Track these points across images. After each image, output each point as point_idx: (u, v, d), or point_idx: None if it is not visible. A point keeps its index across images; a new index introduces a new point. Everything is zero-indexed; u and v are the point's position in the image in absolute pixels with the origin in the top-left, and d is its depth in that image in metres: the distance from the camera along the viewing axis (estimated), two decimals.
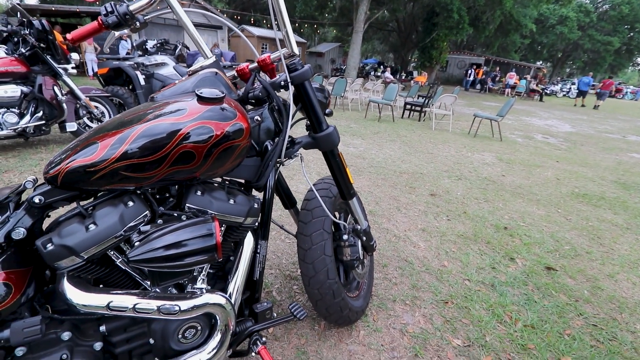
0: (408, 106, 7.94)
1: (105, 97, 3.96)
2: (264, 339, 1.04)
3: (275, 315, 1.12)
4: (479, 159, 4.70)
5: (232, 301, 0.94)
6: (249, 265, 1.05)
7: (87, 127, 3.80)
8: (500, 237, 2.46)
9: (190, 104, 0.84)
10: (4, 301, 0.71)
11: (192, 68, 1.01)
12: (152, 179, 0.80)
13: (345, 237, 1.35)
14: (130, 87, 4.92)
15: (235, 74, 1.13)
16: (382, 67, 24.31)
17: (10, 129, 3.13)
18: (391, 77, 17.75)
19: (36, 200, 0.76)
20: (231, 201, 0.95)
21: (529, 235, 2.53)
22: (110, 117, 3.94)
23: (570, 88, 24.18)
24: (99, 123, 2.85)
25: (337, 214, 1.49)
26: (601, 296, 1.88)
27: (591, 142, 6.91)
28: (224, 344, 0.93)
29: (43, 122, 3.31)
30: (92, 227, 0.76)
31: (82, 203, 0.82)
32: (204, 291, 0.90)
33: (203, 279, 0.93)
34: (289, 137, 1.12)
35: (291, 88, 1.05)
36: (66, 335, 0.80)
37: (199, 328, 0.91)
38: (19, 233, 0.75)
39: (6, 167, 2.98)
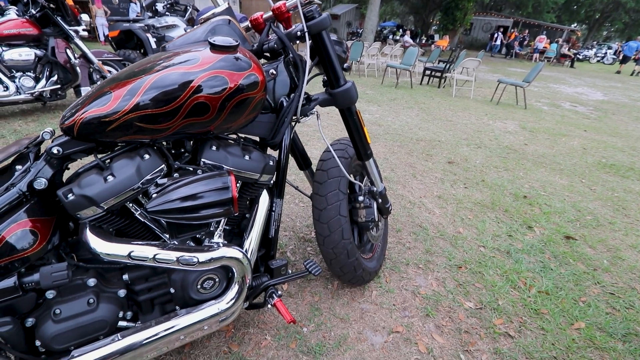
0: (427, 72, 7.57)
1: (117, 61, 3.92)
2: (279, 292, 1.07)
3: (290, 272, 1.15)
4: (500, 127, 4.50)
5: (248, 256, 0.96)
6: (265, 223, 1.05)
7: None
8: (519, 205, 2.40)
9: (202, 53, 0.80)
10: (31, 247, 0.74)
11: (203, 16, 0.95)
12: (167, 132, 0.78)
13: (360, 198, 1.33)
14: (142, 50, 4.84)
15: (249, 25, 1.07)
16: (401, 30, 23.02)
17: (28, 93, 3.16)
18: (410, 41, 16.79)
19: (54, 150, 0.76)
20: (246, 157, 0.94)
21: (550, 204, 2.45)
22: None
23: (606, 53, 22.36)
24: None
25: (352, 176, 1.47)
26: (621, 266, 1.84)
27: (624, 111, 6.48)
28: (241, 296, 0.95)
29: (58, 86, 3.32)
30: (110, 178, 0.76)
31: (99, 156, 0.82)
32: (221, 245, 0.91)
33: (220, 234, 0.94)
34: (305, 93, 1.07)
35: (308, 38, 0.98)
36: (92, 282, 0.84)
37: (217, 280, 0.94)
38: (41, 183, 0.76)
39: (26, 130, 3.05)
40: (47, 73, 3.28)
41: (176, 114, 0.76)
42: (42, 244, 0.76)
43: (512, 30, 20.38)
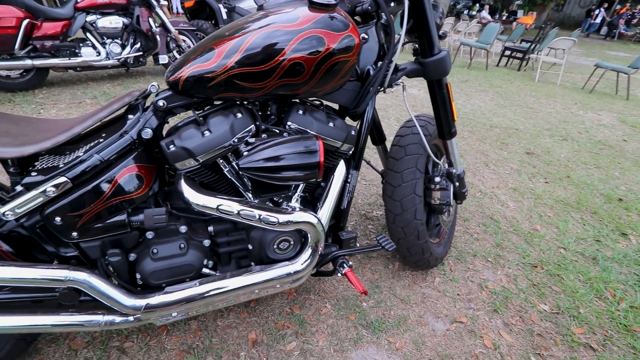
0: (507, 52, 6.79)
1: (191, 31, 4.12)
2: (350, 262, 1.07)
3: (358, 245, 1.13)
4: (593, 118, 3.92)
5: (323, 223, 0.96)
6: (339, 193, 1.04)
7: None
8: (612, 209, 2.09)
9: (301, 11, 0.78)
10: (138, 190, 0.82)
11: None
12: (260, 91, 0.79)
13: (437, 179, 1.25)
14: (213, 21, 5.02)
15: None
16: (478, 5, 20.81)
17: (115, 59, 3.48)
18: (489, 17, 15.09)
19: (160, 103, 0.82)
20: (330, 124, 0.92)
21: None
22: None
23: None
24: None
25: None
26: None
27: None
28: (314, 260, 0.97)
29: (141, 53, 3.60)
30: (207, 133, 0.80)
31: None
32: (298, 209, 0.92)
33: (298, 199, 0.96)
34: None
35: (406, 1, 0.91)
36: (183, 229, 0.91)
37: (292, 242, 0.97)
38: (147, 133, 0.82)
39: (114, 92, 3.40)
40: (132, 40, 3.56)
41: (273, 73, 0.76)
42: (146, 189, 0.84)
43: (624, 5, 16.96)
